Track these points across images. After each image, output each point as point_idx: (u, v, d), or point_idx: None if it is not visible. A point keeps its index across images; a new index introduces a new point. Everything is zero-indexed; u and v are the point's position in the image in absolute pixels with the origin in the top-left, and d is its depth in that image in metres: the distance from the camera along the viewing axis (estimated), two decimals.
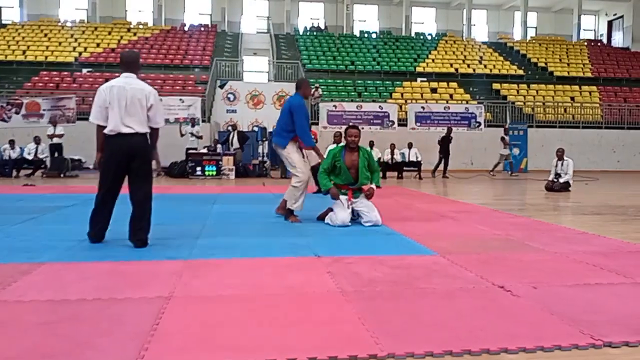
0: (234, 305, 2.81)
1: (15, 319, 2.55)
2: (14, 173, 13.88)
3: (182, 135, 15.21)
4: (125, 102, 4.21)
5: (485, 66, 24.66)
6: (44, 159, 14.32)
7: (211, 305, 2.82)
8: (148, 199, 4.37)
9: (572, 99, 22.59)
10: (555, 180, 10.64)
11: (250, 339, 2.32)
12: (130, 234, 4.30)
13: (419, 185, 12.43)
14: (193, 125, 15.46)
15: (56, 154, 14.25)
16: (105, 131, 4.26)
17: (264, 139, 15.67)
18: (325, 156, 6.00)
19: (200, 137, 15.35)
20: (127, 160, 4.26)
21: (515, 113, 20.63)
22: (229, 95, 20.38)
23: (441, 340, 2.31)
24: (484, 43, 27.89)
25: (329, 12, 30.47)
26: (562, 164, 10.72)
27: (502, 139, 16.76)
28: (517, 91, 22.74)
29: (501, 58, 25.64)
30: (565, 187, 10.47)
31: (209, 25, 27.54)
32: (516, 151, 18.60)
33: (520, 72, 24.48)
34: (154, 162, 4.52)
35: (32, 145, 14.28)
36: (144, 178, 4.36)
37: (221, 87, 20.18)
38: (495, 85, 23.04)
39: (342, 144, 5.91)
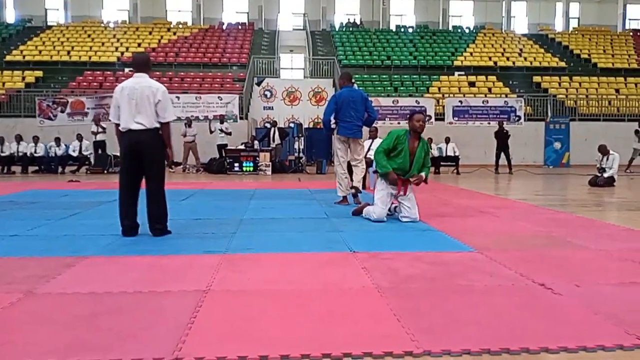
0: (270, 300, 2.83)
1: (58, 311, 2.64)
2: (60, 169, 14.35)
3: (211, 132, 15.45)
4: (136, 100, 4.44)
5: (525, 59, 24.03)
6: (88, 156, 14.76)
7: (248, 299, 2.85)
8: (159, 192, 4.60)
9: (617, 91, 21.79)
10: (599, 175, 10.31)
11: (285, 334, 2.34)
12: (148, 225, 4.58)
13: (457, 180, 12.24)
14: (222, 122, 15.65)
15: (100, 151, 14.66)
16: (119, 128, 4.54)
17: (300, 135, 15.74)
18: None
19: (229, 134, 15.51)
20: (137, 154, 4.49)
21: (557, 106, 20.06)
22: (266, 92, 20.53)
23: (479, 338, 2.27)
24: (523, 35, 27.17)
25: (365, 8, 30.30)
26: (606, 159, 10.38)
27: (637, 132, 15.69)
28: (559, 84, 22.09)
29: (542, 50, 24.93)
30: (610, 182, 10.14)
31: (246, 24, 27.77)
32: (558, 145, 18.11)
33: (562, 64, 23.76)
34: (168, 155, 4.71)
35: (77, 142, 14.74)
36: (155, 171, 4.58)
37: (258, 84, 20.35)
38: (536, 78, 22.44)
39: (400, 130, 5.62)
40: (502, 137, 14.84)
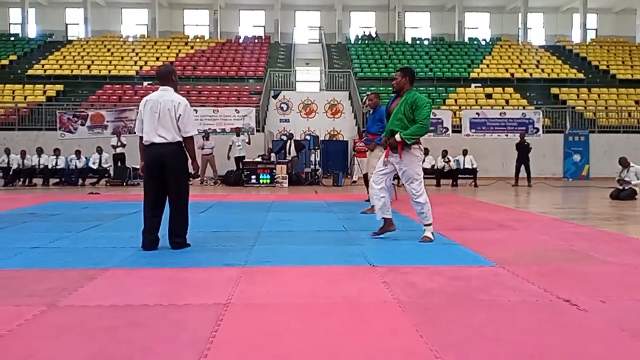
0: (290, 314, 2.82)
1: (80, 324, 2.65)
2: (80, 182, 14.54)
3: (229, 152, 15.40)
4: (159, 114, 4.46)
5: (542, 70, 23.87)
6: (108, 168, 14.94)
7: (268, 313, 2.84)
8: (181, 206, 4.61)
9: (637, 102, 21.53)
10: (620, 187, 10.15)
11: (306, 349, 2.32)
12: (168, 238, 4.60)
13: (475, 193, 12.14)
14: (238, 135, 15.70)
15: (119, 164, 14.83)
16: (143, 141, 4.56)
17: (316, 147, 15.77)
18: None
19: (248, 143, 15.55)
20: (159, 168, 4.50)
21: (576, 118, 19.84)
22: (282, 105, 20.64)
23: (504, 355, 2.23)
24: (540, 47, 27.03)
25: (381, 20, 30.41)
26: (627, 171, 10.22)
27: None
28: (578, 95, 21.88)
29: (559, 62, 24.77)
30: (632, 195, 9.97)
31: (263, 37, 28.04)
32: (577, 157, 17.90)
33: (580, 75, 23.55)
34: (191, 170, 4.74)
35: (97, 155, 14.94)
36: (177, 185, 4.59)
37: (274, 97, 20.47)
38: (554, 90, 22.25)
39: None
40: (522, 149, 14.69)
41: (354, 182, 14.80)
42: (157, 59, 23.99)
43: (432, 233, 5.02)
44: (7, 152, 14.59)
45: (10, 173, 14.31)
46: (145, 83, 21.92)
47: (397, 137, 4.84)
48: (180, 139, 4.53)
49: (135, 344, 2.37)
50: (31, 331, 2.56)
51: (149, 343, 2.38)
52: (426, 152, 14.91)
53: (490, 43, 27.15)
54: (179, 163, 4.56)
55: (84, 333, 2.51)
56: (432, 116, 18.57)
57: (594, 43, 27.73)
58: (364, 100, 19.23)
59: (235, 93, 21.27)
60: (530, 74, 23.56)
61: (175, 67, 22.97)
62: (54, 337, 2.46)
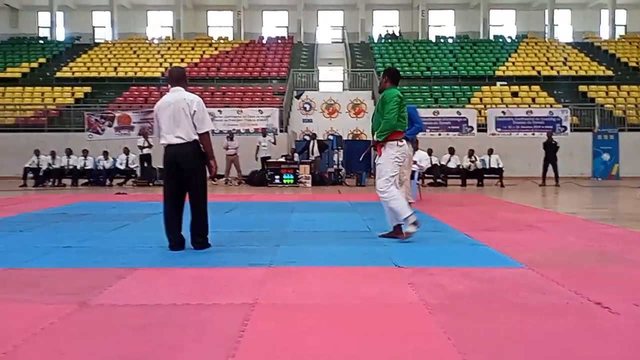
0: (316, 314, 2.82)
1: (110, 323, 2.70)
2: (107, 182, 14.79)
3: (257, 148, 15.55)
4: (173, 114, 4.49)
5: (570, 67, 23.43)
6: (135, 169, 15.17)
7: (294, 313, 2.85)
8: (200, 205, 4.62)
9: None
10: None
11: (334, 350, 2.31)
12: (190, 237, 4.62)
13: (501, 192, 11.97)
14: (264, 135, 15.79)
15: (145, 164, 15.03)
16: (160, 143, 4.62)
17: (339, 147, 15.75)
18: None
19: (274, 143, 15.65)
20: (177, 168, 4.53)
21: (605, 116, 19.43)
22: (305, 105, 20.68)
23: (533, 359, 2.19)
24: (568, 44, 26.54)
25: (404, 19, 30.24)
26: None
27: None
28: (606, 93, 21.41)
29: (587, 59, 24.28)
30: None
31: (286, 38, 28.14)
32: (606, 156, 17.51)
33: (609, 72, 23.05)
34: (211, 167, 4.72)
35: (124, 156, 15.18)
36: (196, 184, 4.61)
37: (297, 97, 20.51)
38: (582, 87, 21.82)
39: None
40: (550, 148, 14.44)
41: None
42: (182, 60, 24.27)
43: (415, 223, 4.88)
44: (37, 153, 14.90)
45: (41, 174, 14.62)
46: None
47: (375, 136, 5.04)
48: (197, 137, 4.54)
49: (163, 343, 2.40)
50: (62, 330, 2.61)
51: (178, 342, 2.40)
52: (451, 151, 14.81)
53: (516, 40, 26.76)
54: (196, 162, 4.58)
55: (114, 332, 2.55)
56: (456, 115, 18.54)
57: (623, 39, 27.12)
58: None
59: (258, 93, 21.39)
60: (558, 72, 23.15)
61: (200, 68, 23.36)
62: (85, 336, 2.50)
